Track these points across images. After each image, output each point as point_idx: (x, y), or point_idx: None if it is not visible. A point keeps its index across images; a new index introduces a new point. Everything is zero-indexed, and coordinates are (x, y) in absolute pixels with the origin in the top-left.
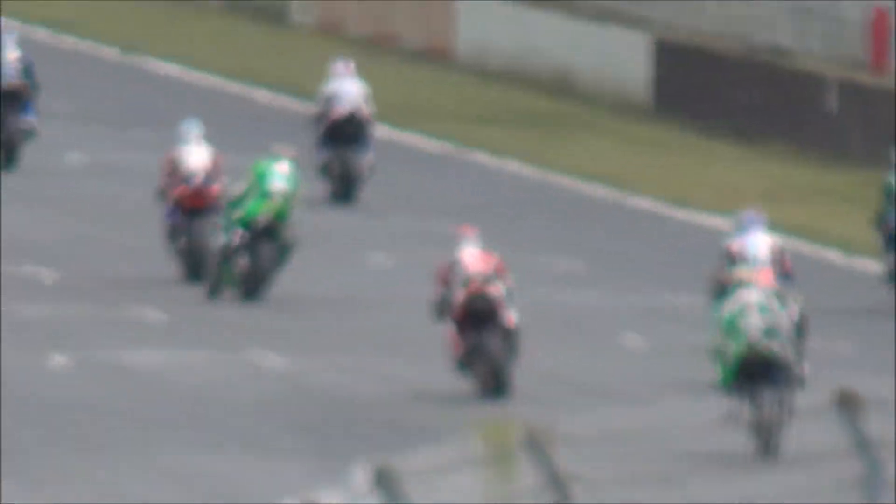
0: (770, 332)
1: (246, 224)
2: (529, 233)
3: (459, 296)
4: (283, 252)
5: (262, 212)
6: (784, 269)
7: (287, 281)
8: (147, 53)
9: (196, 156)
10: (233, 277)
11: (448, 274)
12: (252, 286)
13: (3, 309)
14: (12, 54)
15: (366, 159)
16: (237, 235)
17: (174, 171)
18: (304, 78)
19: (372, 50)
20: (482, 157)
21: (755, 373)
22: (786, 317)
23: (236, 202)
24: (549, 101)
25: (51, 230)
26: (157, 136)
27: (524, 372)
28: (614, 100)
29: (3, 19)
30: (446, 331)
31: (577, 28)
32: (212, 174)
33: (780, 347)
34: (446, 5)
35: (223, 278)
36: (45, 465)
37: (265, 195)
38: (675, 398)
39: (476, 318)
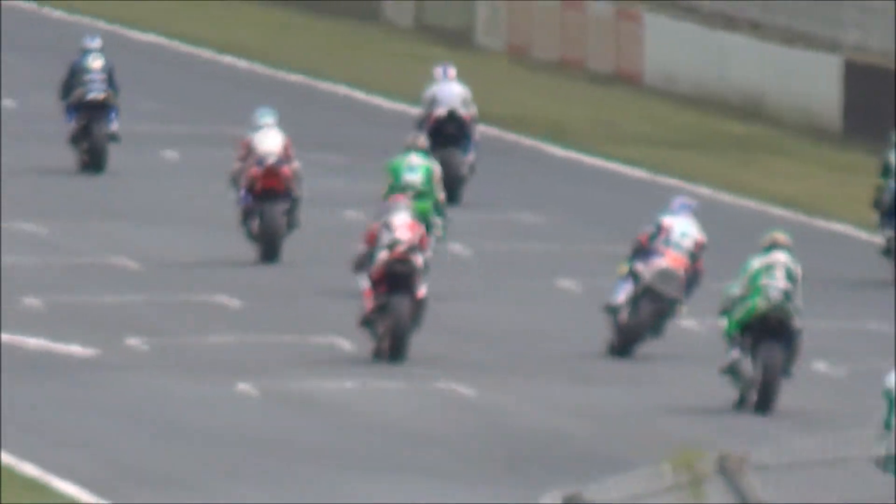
0: (789, 294)
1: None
2: (722, 259)
3: (382, 256)
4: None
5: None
6: (696, 264)
7: (474, 309)
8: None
9: (269, 139)
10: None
11: (376, 234)
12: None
13: (189, 340)
14: (97, 63)
15: (466, 159)
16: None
17: (248, 155)
18: (490, 102)
19: (559, 73)
20: (674, 182)
21: (766, 330)
22: (798, 288)
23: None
24: (739, 125)
25: (233, 256)
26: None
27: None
28: (805, 123)
29: (88, 33)
30: (362, 287)
31: (768, 50)
32: (283, 157)
33: (794, 311)
34: (634, 28)
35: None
36: (230, 498)
37: (401, 188)
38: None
39: (393, 280)
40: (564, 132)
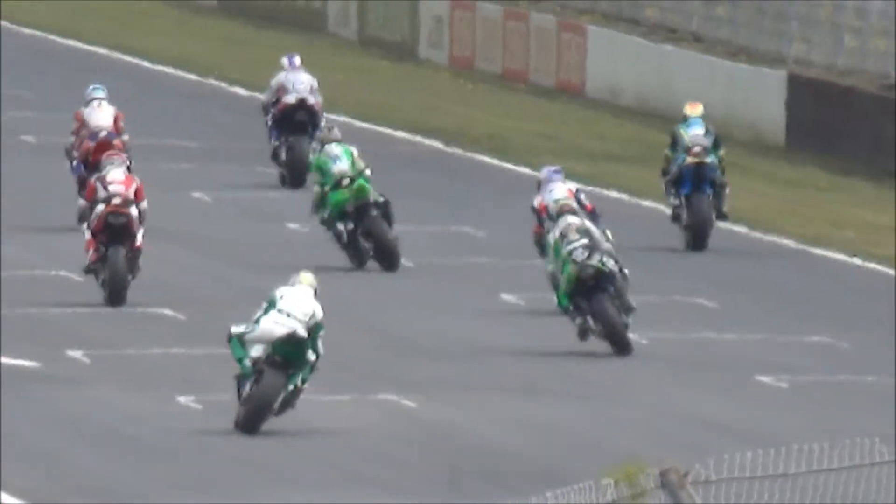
0: (590, 249)
1: (340, 212)
2: (661, 266)
3: (101, 210)
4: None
5: (347, 201)
6: (587, 210)
7: (418, 321)
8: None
9: (101, 114)
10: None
11: (94, 189)
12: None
13: (131, 352)
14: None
15: (314, 146)
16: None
17: (81, 129)
18: (433, 114)
19: (502, 86)
20: (616, 195)
21: (590, 288)
22: (598, 231)
23: (320, 203)
24: None
25: (176, 267)
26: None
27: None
28: (749, 137)
29: None
30: (86, 238)
31: (711, 63)
32: (114, 130)
33: (603, 259)
34: (577, 39)
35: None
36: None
37: (337, 183)
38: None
39: (111, 231)
40: (507, 145)
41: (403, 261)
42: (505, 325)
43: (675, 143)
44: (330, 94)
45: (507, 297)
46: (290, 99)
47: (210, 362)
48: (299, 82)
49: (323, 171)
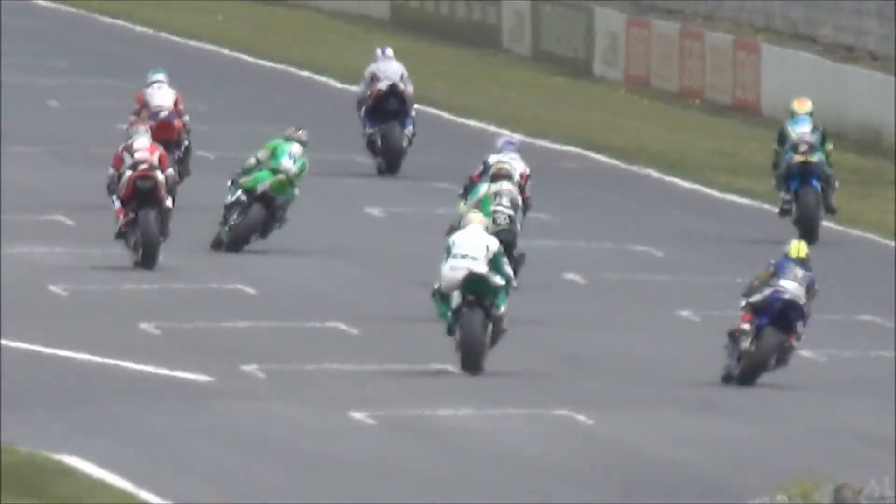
0: (513, 219)
1: (249, 190)
2: (842, 290)
3: (127, 177)
4: (274, 218)
5: (264, 182)
6: (523, 196)
7: (592, 337)
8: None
9: (162, 95)
10: (226, 233)
11: (121, 158)
12: (237, 243)
13: (305, 367)
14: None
15: (406, 132)
16: (236, 196)
17: (142, 110)
18: (608, 132)
19: (677, 103)
20: None
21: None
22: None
23: (246, 171)
24: (857, 157)
25: (350, 283)
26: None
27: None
28: None
29: None
30: (115, 207)
31: (887, 82)
32: (175, 111)
33: (517, 234)
34: (752, 58)
35: (222, 234)
36: None
37: (274, 171)
38: None
39: (140, 195)
40: (682, 163)
41: (577, 277)
42: (680, 342)
43: (782, 139)
44: (504, 109)
45: (682, 313)
46: (382, 86)
47: (384, 378)
48: (390, 70)
49: (276, 153)
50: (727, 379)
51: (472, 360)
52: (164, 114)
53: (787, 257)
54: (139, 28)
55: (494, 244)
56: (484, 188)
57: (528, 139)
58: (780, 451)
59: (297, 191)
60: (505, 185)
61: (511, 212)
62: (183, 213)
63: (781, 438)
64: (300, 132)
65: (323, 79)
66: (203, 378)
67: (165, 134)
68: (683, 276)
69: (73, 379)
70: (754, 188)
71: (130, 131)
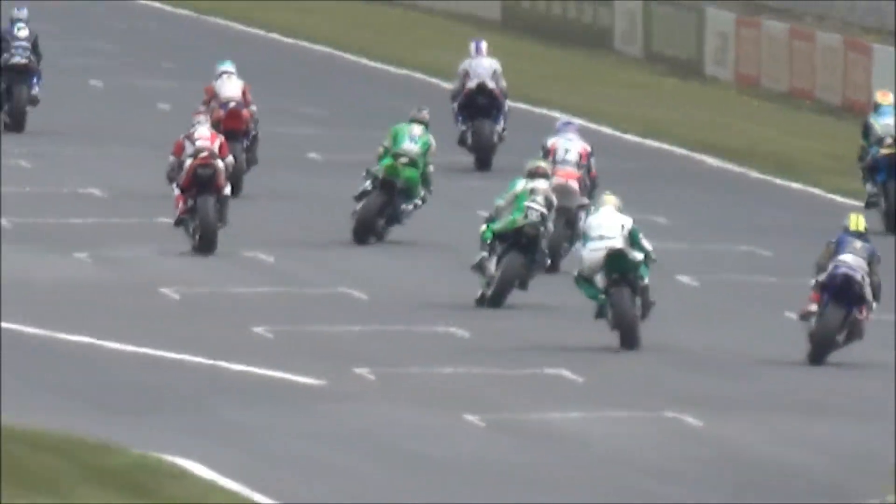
0: (545, 217)
1: (374, 177)
2: None
3: (188, 165)
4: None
5: (385, 168)
6: (590, 175)
7: (702, 339)
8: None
9: (230, 86)
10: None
11: (182, 146)
12: (360, 232)
13: (416, 370)
14: (23, 32)
15: (496, 128)
16: (364, 186)
17: (211, 100)
18: (719, 132)
19: (788, 104)
20: None
21: (517, 242)
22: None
23: (379, 159)
24: None
25: (461, 286)
26: None
27: None
28: None
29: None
30: (174, 194)
31: None
32: (243, 102)
33: (546, 233)
34: (862, 58)
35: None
36: None
37: (395, 155)
38: None
39: (199, 184)
40: (793, 163)
41: (688, 279)
42: (789, 343)
43: (867, 132)
44: (616, 110)
45: (791, 314)
46: (472, 84)
47: (494, 381)
48: (481, 67)
49: (397, 137)
50: (810, 359)
51: (629, 336)
52: (232, 104)
53: (846, 231)
54: (251, 29)
55: (629, 222)
56: (521, 184)
57: (639, 140)
58: (892, 452)
59: (430, 168)
60: (541, 184)
61: (544, 210)
62: (290, 216)
63: (892, 439)
64: (423, 112)
65: (434, 80)
66: (315, 381)
67: (234, 124)
68: (792, 277)
69: (185, 382)
70: (864, 190)
71: (193, 120)
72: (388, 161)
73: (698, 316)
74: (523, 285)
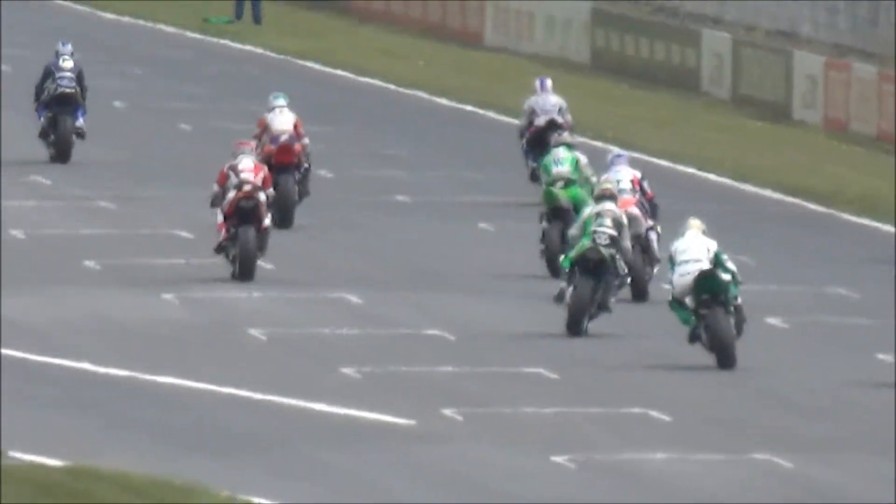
0: (616, 239)
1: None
2: None
3: (232, 195)
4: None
5: (544, 197)
6: (646, 197)
7: (792, 380)
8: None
9: (282, 119)
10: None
11: (226, 176)
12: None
13: (507, 410)
14: (67, 63)
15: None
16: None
17: (263, 133)
18: (808, 176)
19: (876, 147)
20: None
21: (586, 267)
22: (626, 233)
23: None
24: None
25: (547, 327)
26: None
27: None
28: None
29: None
30: (218, 221)
31: None
32: (294, 135)
33: (618, 253)
34: None
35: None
36: None
37: (550, 183)
38: None
39: (242, 214)
40: (881, 206)
41: (777, 321)
42: (880, 385)
43: None
44: (703, 152)
45: (882, 356)
46: (541, 121)
47: (584, 420)
48: (548, 104)
49: (546, 169)
50: None
51: (726, 356)
52: (284, 137)
53: None
54: (338, 72)
55: (714, 245)
56: (588, 209)
57: (727, 182)
58: None
59: (594, 179)
60: (608, 206)
61: (613, 232)
62: (376, 257)
63: None
64: (564, 135)
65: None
66: (403, 421)
67: (286, 157)
68: (882, 318)
69: (273, 423)
70: None
71: (237, 151)
72: (546, 190)
73: (787, 357)
74: (604, 307)
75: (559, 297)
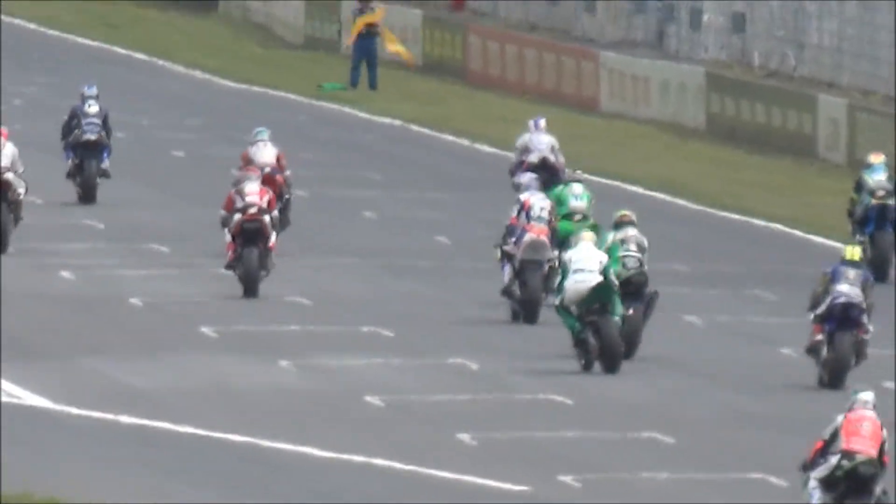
0: (642, 262)
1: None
2: None
3: (238, 218)
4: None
5: (571, 231)
6: (552, 224)
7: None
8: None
9: (265, 152)
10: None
11: (233, 200)
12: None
13: (622, 476)
14: (93, 109)
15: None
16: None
17: (246, 165)
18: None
19: None
20: None
21: (625, 293)
22: (601, 253)
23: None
24: None
25: (666, 394)
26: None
27: None
28: None
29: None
30: (226, 240)
31: None
32: (276, 167)
33: (646, 276)
34: None
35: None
36: None
37: (566, 216)
38: None
39: (247, 235)
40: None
41: None
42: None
43: (859, 187)
44: (820, 217)
45: None
46: (533, 158)
47: (702, 486)
48: (540, 142)
49: (561, 201)
50: (822, 384)
51: (614, 362)
52: (267, 169)
53: (842, 262)
54: (448, 137)
55: (604, 257)
56: (611, 236)
57: (842, 246)
58: None
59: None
60: (630, 231)
61: (640, 255)
62: (493, 322)
63: None
64: (577, 172)
65: (638, 189)
66: (519, 488)
67: (269, 188)
68: None
69: (389, 489)
70: None
71: (240, 176)
72: (563, 223)
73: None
74: (640, 327)
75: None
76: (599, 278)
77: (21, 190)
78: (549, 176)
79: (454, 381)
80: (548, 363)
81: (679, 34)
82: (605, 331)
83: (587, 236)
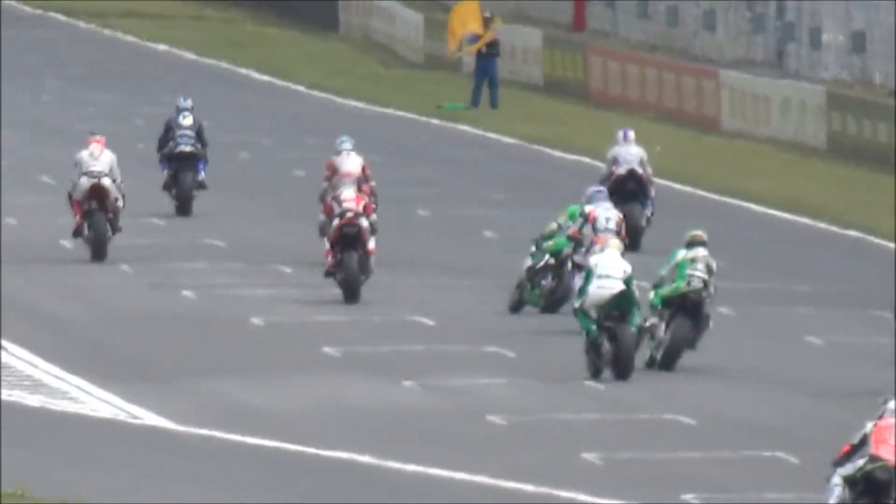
0: (707, 283)
1: (555, 254)
2: None
3: (336, 223)
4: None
5: (567, 248)
6: (622, 236)
7: None
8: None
9: (350, 162)
10: (536, 297)
11: (331, 207)
12: (554, 304)
13: (747, 497)
14: (187, 121)
15: (645, 212)
16: (545, 261)
17: (332, 176)
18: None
19: None
20: None
21: (683, 308)
22: (626, 263)
23: (549, 236)
24: None
25: (791, 414)
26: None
27: None
28: None
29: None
30: (325, 248)
31: None
32: (362, 177)
33: (708, 297)
34: None
35: (527, 297)
36: None
37: (570, 237)
38: None
39: (346, 241)
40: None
41: None
42: None
43: None
44: None
45: None
46: (621, 170)
47: None
48: (630, 154)
49: (571, 217)
50: None
51: (626, 370)
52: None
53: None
54: (570, 156)
55: (628, 266)
56: (682, 253)
57: None
58: None
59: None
60: (701, 252)
61: (705, 276)
62: None
63: None
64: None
65: (759, 208)
66: None
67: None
68: None
69: None
70: None
71: (335, 182)
72: (565, 243)
73: None
74: (692, 345)
75: (650, 333)
76: (622, 286)
77: (118, 196)
78: (637, 187)
79: (579, 400)
80: (670, 384)
81: (799, 53)
82: (622, 338)
83: (614, 244)
